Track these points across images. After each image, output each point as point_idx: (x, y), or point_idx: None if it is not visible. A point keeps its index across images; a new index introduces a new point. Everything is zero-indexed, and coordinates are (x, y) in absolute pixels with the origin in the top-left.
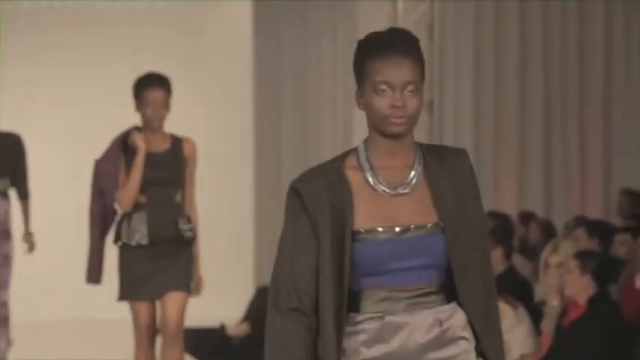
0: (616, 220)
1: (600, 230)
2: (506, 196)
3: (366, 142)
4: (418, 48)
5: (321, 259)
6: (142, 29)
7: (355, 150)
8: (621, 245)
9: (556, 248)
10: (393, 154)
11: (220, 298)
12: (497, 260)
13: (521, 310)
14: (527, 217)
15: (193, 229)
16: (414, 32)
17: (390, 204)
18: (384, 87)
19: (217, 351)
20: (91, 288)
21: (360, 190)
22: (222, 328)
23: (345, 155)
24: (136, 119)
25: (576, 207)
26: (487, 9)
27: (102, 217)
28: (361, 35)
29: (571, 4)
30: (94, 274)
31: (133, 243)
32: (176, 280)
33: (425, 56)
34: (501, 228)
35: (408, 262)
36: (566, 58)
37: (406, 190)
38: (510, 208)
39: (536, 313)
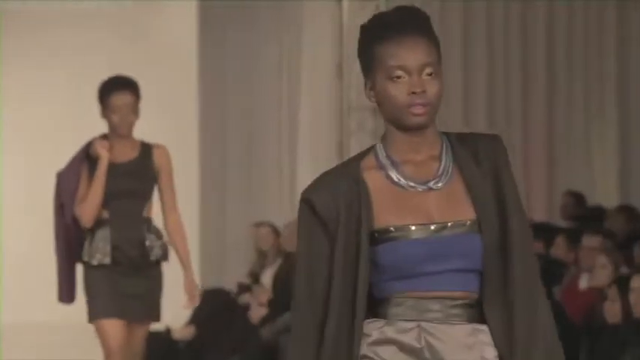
0: (560, 222)
1: (543, 232)
2: None
3: (383, 138)
4: (431, 26)
5: (335, 269)
6: (83, 32)
7: (372, 149)
8: (558, 247)
9: None
10: (416, 149)
11: (165, 302)
12: None
13: None
14: None
15: (164, 246)
16: (359, 34)
17: (421, 200)
18: (399, 72)
19: (163, 354)
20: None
21: (381, 190)
22: (168, 331)
23: (362, 155)
24: (82, 126)
25: None
26: (431, 12)
27: (65, 234)
28: (307, 37)
29: (514, 6)
30: (65, 293)
31: (94, 262)
32: (141, 309)
33: None
34: None
35: (445, 264)
36: (509, 60)
37: (439, 184)
38: None
39: None
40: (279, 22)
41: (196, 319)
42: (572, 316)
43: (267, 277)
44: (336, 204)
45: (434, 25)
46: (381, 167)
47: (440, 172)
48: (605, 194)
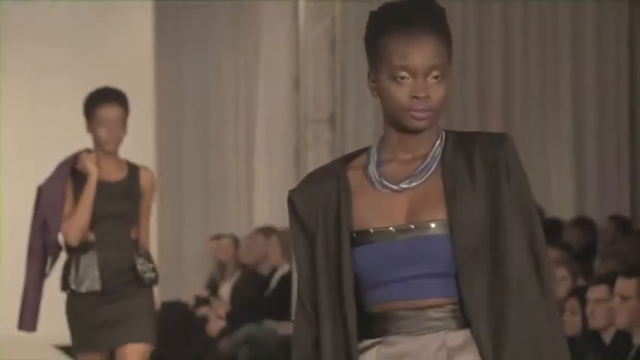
0: None
1: None
2: None
3: (382, 136)
4: (445, 21)
5: (318, 269)
6: (41, 46)
7: (370, 147)
8: None
9: None
10: (407, 147)
11: None
12: None
13: None
14: None
15: (155, 269)
16: (316, 45)
17: (390, 201)
18: (403, 73)
19: None
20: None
21: (360, 189)
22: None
23: (357, 154)
24: (42, 139)
25: None
26: None
27: (42, 254)
28: (264, 50)
29: (470, 16)
30: (29, 320)
31: (83, 290)
32: (136, 328)
33: (327, 70)
34: None
35: (411, 269)
36: (466, 73)
37: (412, 184)
38: None
39: None
40: (235, 29)
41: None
42: None
43: (225, 290)
44: (316, 203)
45: None
46: (367, 165)
47: (416, 171)
48: (561, 207)
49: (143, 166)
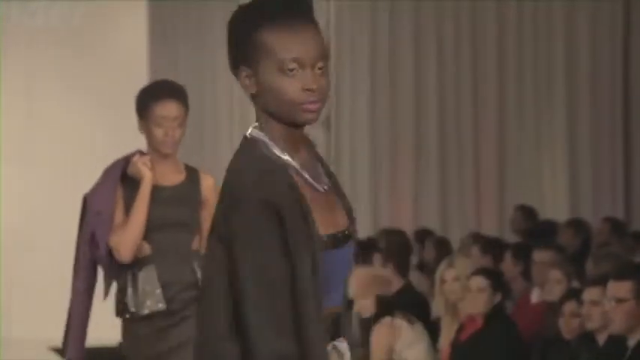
0: (510, 236)
1: (493, 247)
2: (403, 213)
3: (266, 132)
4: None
5: (300, 283)
6: (36, 48)
7: (258, 145)
8: (507, 262)
9: (451, 263)
10: (297, 146)
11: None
12: (391, 277)
13: (419, 327)
14: (423, 234)
15: None
16: None
17: (329, 204)
18: (293, 65)
19: None
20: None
21: (306, 193)
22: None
23: (260, 156)
24: (35, 146)
25: (472, 223)
26: (382, 25)
27: (91, 272)
28: None
29: (464, 18)
30: (76, 348)
31: (145, 311)
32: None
33: None
34: (396, 244)
35: (346, 276)
36: (460, 74)
37: (327, 187)
38: (407, 224)
39: (434, 329)
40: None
41: None
42: (524, 331)
43: None
44: (292, 203)
45: (382, 38)
46: (288, 166)
47: (322, 170)
48: (555, 208)
49: (203, 171)
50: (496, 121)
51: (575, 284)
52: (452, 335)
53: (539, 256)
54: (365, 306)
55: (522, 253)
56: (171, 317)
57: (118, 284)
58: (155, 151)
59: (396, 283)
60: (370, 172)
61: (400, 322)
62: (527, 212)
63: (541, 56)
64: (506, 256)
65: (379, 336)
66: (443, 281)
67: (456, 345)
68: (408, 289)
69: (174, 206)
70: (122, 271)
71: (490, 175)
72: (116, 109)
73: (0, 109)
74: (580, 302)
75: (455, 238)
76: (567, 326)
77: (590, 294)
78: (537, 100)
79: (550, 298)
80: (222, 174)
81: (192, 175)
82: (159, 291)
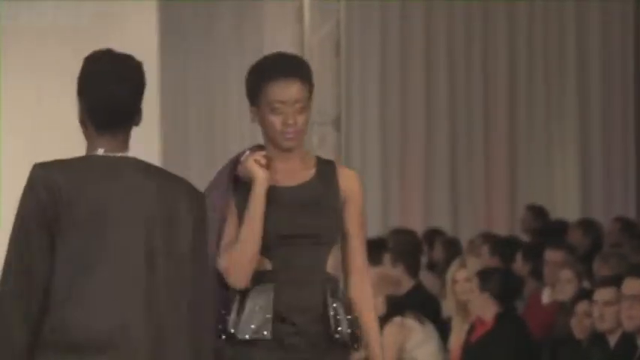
0: (522, 236)
1: (502, 247)
2: (413, 212)
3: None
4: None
5: None
6: (44, 48)
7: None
8: (518, 262)
9: (463, 264)
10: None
11: None
12: (401, 277)
13: (430, 327)
14: (432, 234)
15: (356, 322)
16: (321, 47)
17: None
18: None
19: None
20: None
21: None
22: None
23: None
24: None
25: (483, 223)
26: (393, 25)
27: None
28: (268, 42)
29: (475, 18)
30: None
31: (245, 336)
32: None
33: (332, 72)
34: (406, 244)
35: None
36: (471, 73)
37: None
38: (417, 225)
39: (444, 329)
40: (240, 34)
41: None
42: (535, 331)
43: None
44: None
45: (393, 37)
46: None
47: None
48: (566, 208)
49: (340, 164)
50: (507, 120)
51: (586, 284)
52: (462, 335)
53: (551, 255)
54: (375, 306)
55: (532, 252)
56: (279, 352)
57: (227, 305)
58: (273, 144)
59: (406, 284)
60: (380, 171)
61: (411, 322)
62: (537, 212)
63: (552, 56)
64: (517, 256)
65: (389, 336)
66: (454, 281)
67: (466, 345)
68: (418, 289)
69: (300, 212)
70: (237, 292)
71: (501, 175)
72: None
73: (8, 108)
74: (592, 302)
75: (466, 238)
76: (579, 326)
77: (601, 294)
78: (548, 100)
79: (561, 298)
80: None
81: (326, 170)
82: (269, 316)
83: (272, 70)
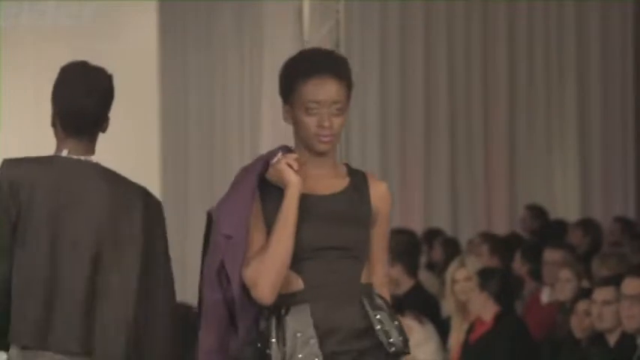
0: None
1: (501, 247)
2: (413, 212)
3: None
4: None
5: None
6: (44, 47)
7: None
8: (517, 262)
9: (463, 263)
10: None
11: None
12: (399, 277)
13: (430, 327)
14: (431, 234)
15: (401, 329)
16: (321, 46)
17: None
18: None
19: None
20: None
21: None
22: None
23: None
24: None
25: (483, 223)
26: (392, 25)
27: (222, 314)
28: (267, 40)
29: (475, 19)
30: None
31: None
32: None
33: None
34: (404, 244)
35: None
36: (471, 73)
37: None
38: (417, 224)
39: (444, 329)
40: (240, 34)
41: None
42: (534, 331)
43: None
44: None
45: (393, 35)
46: None
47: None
48: (566, 208)
49: (369, 173)
50: (507, 120)
51: (586, 284)
52: (462, 335)
53: (550, 255)
54: None
55: (531, 252)
56: None
57: (257, 330)
58: (306, 147)
59: (405, 283)
60: (380, 171)
61: (410, 322)
62: (536, 212)
63: (552, 56)
64: (516, 255)
65: None
66: (454, 281)
67: (466, 345)
68: (417, 289)
69: (333, 224)
70: (262, 314)
71: (501, 175)
72: (126, 106)
73: (7, 108)
74: (592, 301)
75: (465, 238)
76: (579, 325)
77: (601, 294)
78: (548, 99)
79: (560, 298)
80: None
81: (357, 180)
82: (314, 341)
83: (308, 67)
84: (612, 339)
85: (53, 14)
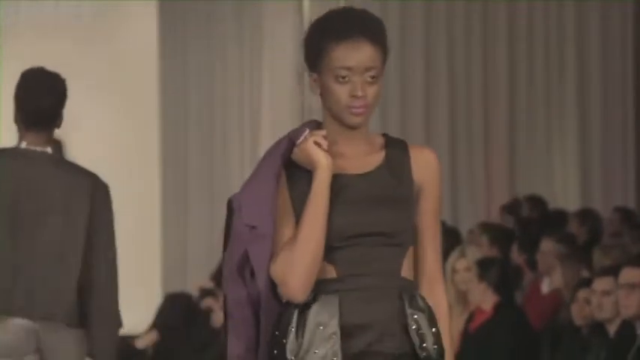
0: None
1: (501, 237)
2: None
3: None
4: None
5: None
6: (44, 44)
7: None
8: (515, 252)
9: (463, 253)
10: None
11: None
12: None
13: None
14: None
15: (440, 335)
16: None
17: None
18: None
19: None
20: None
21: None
22: (130, 337)
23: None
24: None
25: (483, 213)
26: (392, 23)
27: (248, 312)
28: (268, 39)
29: (475, 14)
30: None
31: None
32: None
33: None
34: None
35: None
36: (471, 65)
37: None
38: None
39: None
40: (240, 30)
41: (158, 324)
42: (534, 320)
43: None
44: None
45: (392, 31)
46: None
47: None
48: (566, 198)
49: (415, 145)
50: (506, 111)
51: (585, 274)
52: (462, 325)
53: (546, 245)
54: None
55: (528, 243)
56: None
57: (277, 318)
58: (336, 120)
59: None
60: None
61: None
62: (535, 202)
63: (552, 47)
64: (513, 246)
65: None
66: (454, 271)
67: (465, 334)
68: None
69: (368, 207)
70: (286, 308)
71: (501, 165)
72: (126, 105)
73: (8, 104)
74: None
75: (465, 228)
76: (579, 313)
77: (600, 284)
78: (548, 90)
79: (559, 287)
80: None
81: (396, 151)
82: (337, 337)
83: (339, 28)
84: (612, 328)
85: (53, 10)
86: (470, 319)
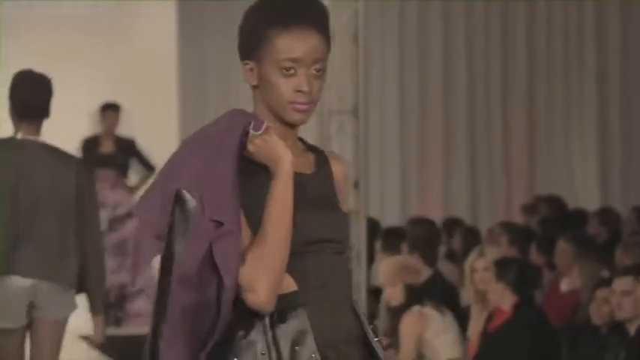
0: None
1: (520, 237)
2: (433, 201)
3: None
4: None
5: None
6: (61, 36)
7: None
8: (533, 252)
9: (482, 253)
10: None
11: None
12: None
13: (449, 316)
14: (451, 223)
15: (381, 347)
16: (340, 37)
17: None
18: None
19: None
20: None
21: None
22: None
23: None
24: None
25: (502, 212)
26: (411, 14)
27: (199, 329)
28: None
29: (494, 6)
30: None
31: None
32: None
33: (350, 61)
34: (423, 233)
35: None
36: (490, 62)
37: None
38: (437, 214)
39: (463, 318)
40: None
41: None
42: (553, 320)
43: None
44: None
45: (411, 26)
46: None
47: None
48: (586, 198)
49: (329, 151)
50: (526, 110)
51: (605, 273)
52: (481, 324)
53: (564, 245)
54: (393, 294)
55: (547, 243)
56: None
57: (233, 337)
58: (274, 116)
59: (424, 273)
60: (399, 160)
61: (430, 311)
62: (554, 202)
63: (571, 45)
64: (532, 247)
65: (408, 325)
66: (473, 270)
67: (485, 334)
68: (436, 279)
69: (322, 210)
70: (248, 319)
71: (520, 165)
72: (143, 99)
73: None
74: (611, 290)
75: (485, 228)
76: (598, 312)
77: (620, 284)
78: (567, 89)
79: (578, 287)
80: None
81: (320, 158)
82: (315, 355)
83: (285, 14)
84: (632, 328)
85: (70, 3)
86: (489, 318)
